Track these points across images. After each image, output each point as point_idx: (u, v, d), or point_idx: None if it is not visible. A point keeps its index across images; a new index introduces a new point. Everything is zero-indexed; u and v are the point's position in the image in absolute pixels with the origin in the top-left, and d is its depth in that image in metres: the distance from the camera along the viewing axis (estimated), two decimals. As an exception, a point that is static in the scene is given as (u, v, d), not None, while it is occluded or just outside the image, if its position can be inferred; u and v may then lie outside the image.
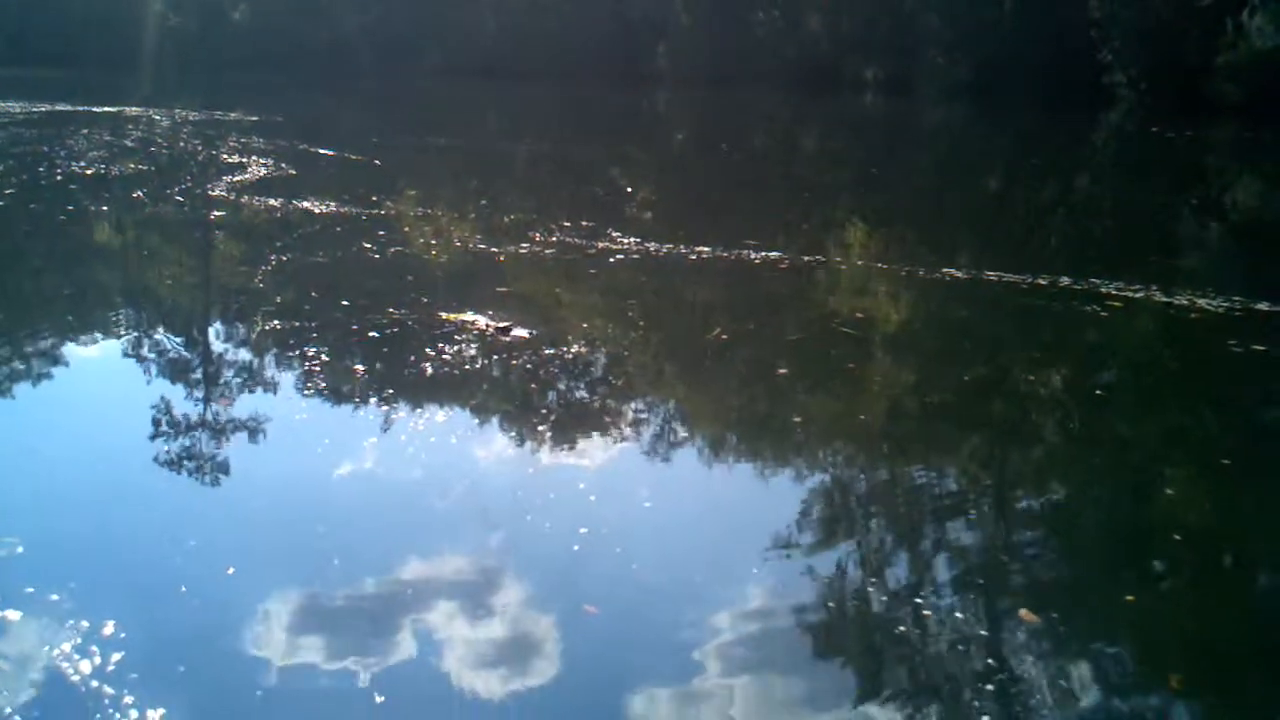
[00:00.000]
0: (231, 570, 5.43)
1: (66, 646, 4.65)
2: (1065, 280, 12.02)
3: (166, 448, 7.23)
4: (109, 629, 4.78)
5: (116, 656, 4.60)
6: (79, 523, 6.01)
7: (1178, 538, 6.35)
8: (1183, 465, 7.62)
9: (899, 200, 20.81)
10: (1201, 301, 11.26)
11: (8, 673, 4.55)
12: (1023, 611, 5.31)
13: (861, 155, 29.65)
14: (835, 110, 45.40)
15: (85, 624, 4.80)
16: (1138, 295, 11.53)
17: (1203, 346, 10.32)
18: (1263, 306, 11.12)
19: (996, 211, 20.14)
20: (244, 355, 9.68)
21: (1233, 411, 8.85)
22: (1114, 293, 11.56)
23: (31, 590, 5.09)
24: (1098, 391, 9.18)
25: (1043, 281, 12.02)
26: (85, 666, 4.52)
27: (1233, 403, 9.03)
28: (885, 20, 52.04)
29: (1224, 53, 39.46)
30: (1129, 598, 5.61)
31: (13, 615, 4.90)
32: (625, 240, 14.25)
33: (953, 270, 12.81)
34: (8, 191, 17.70)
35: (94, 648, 4.64)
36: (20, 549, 5.54)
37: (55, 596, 5.05)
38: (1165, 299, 11.41)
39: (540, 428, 7.89)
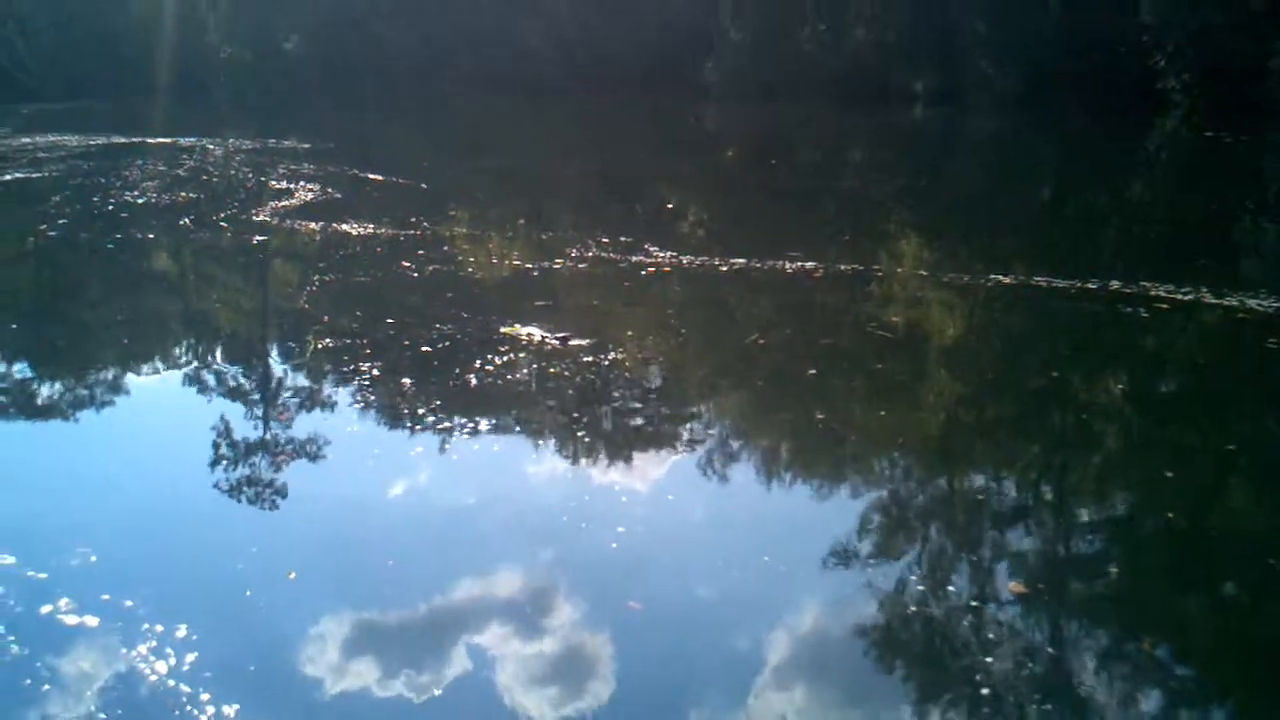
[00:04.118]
0: (292, 575, 5.73)
1: (142, 649, 4.97)
2: (1115, 284, 11.82)
3: (226, 466, 7.45)
4: (180, 634, 5.08)
5: (183, 663, 4.87)
6: (146, 537, 6.33)
7: (1240, 546, 6.20)
8: (1240, 471, 7.43)
9: (946, 210, 20.58)
10: (1252, 302, 11.02)
11: (89, 673, 4.86)
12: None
13: (908, 166, 29.38)
14: (883, 122, 45.14)
15: (159, 628, 5.12)
16: (1187, 298, 11.31)
17: (1249, 347, 10.10)
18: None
19: (1046, 218, 19.86)
20: (301, 376, 9.91)
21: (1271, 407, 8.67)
22: (1163, 295, 11.35)
23: (107, 598, 5.39)
24: (1136, 393, 9.03)
25: (1092, 286, 11.84)
26: (160, 668, 4.84)
27: (1271, 400, 8.86)
28: (932, 31, 51.63)
29: (1278, 56, 38.85)
30: (1194, 608, 5.49)
31: (91, 621, 5.21)
32: (661, 254, 14.17)
33: (1000, 277, 12.62)
34: (60, 222, 17.92)
35: (168, 651, 4.95)
36: (94, 559, 5.86)
37: (129, 603, 5.34)
38: (1215, 300, 11.19)
39: (601, 437, 7.97)
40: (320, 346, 10.38)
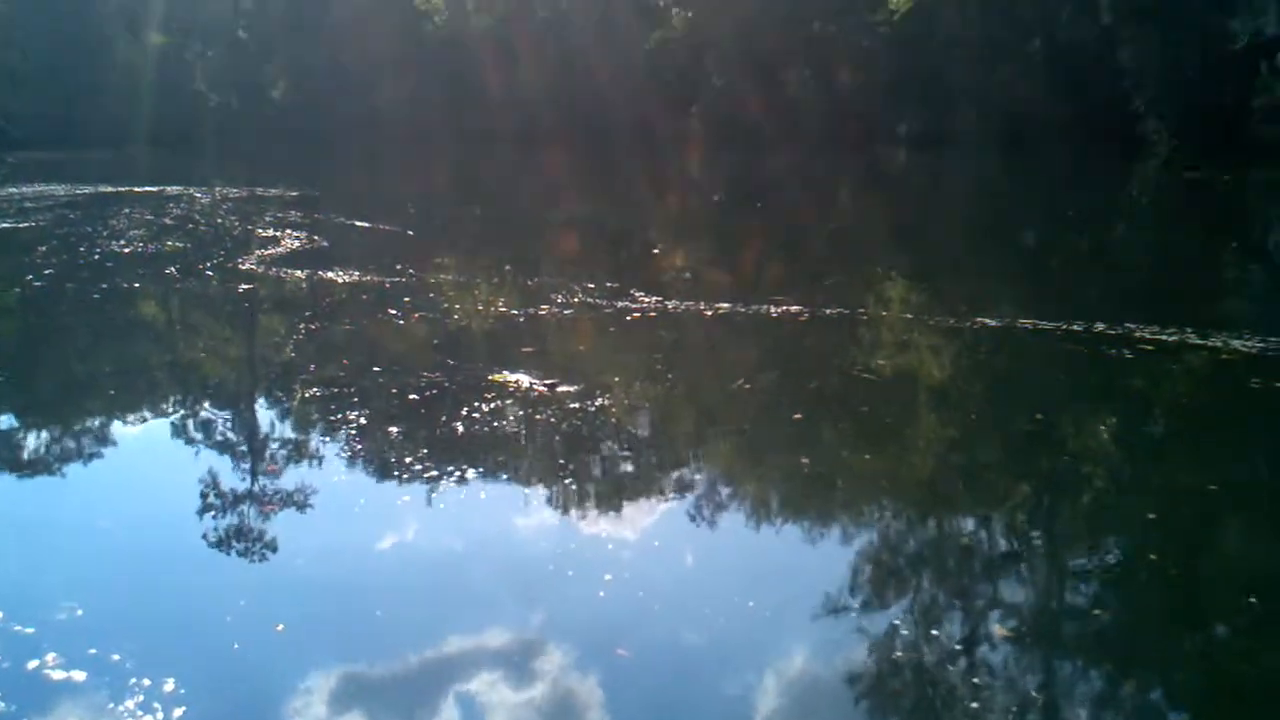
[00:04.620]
0: (281, 627, 5.70)
1: (129, 704, 4.91)
2: (1099, 326, 11.87)
3: (214, 518, 7.41)
4: (168, 688, 5.02)
5: (170, 717, 4.82)
6: (133, 590, 6.28)
7: (1229, 587, 6.21)
8: (1223, 511, 7.44)
9: (930, 253, 20.71)
10: (1235, 343, 11.09)
11: None
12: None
13: (893, 210, 29.56)
14: (868, 166, 45.45)
15: (147, 681, 5.06)
16: (1171, 339, 11.37)
17: (1233, 388, 10.14)
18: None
19: (1030, 262, 19.98)
20: (288, 426, 9.90)
21: (1257, 451, 8.71)
22: (1147, 337, 11.41)
23: (94, 652, 5.34)
24: (1120, 435, 9.06)
25: (1076, 328, 11.88)
26: None
27: (1255, 442, 8.90)
28: (916, 77, 52.14)
29: (1259, 95, 39.23)
30: (1179, 648, 5.50)
31: (78, 675, 5.15)
32: (646, 299, 14.22)
33: (984, 319, 12.68)
34: (46, 272, 17.93)
35: (155, 705, 4.90)
36: (80, 612, 5.80)
37: (116, 657, 5.29)
38: (1199, 341, 11.25)
39: (588, 484, 7.94)
40: (307, 396, 10.37)
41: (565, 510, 7.47)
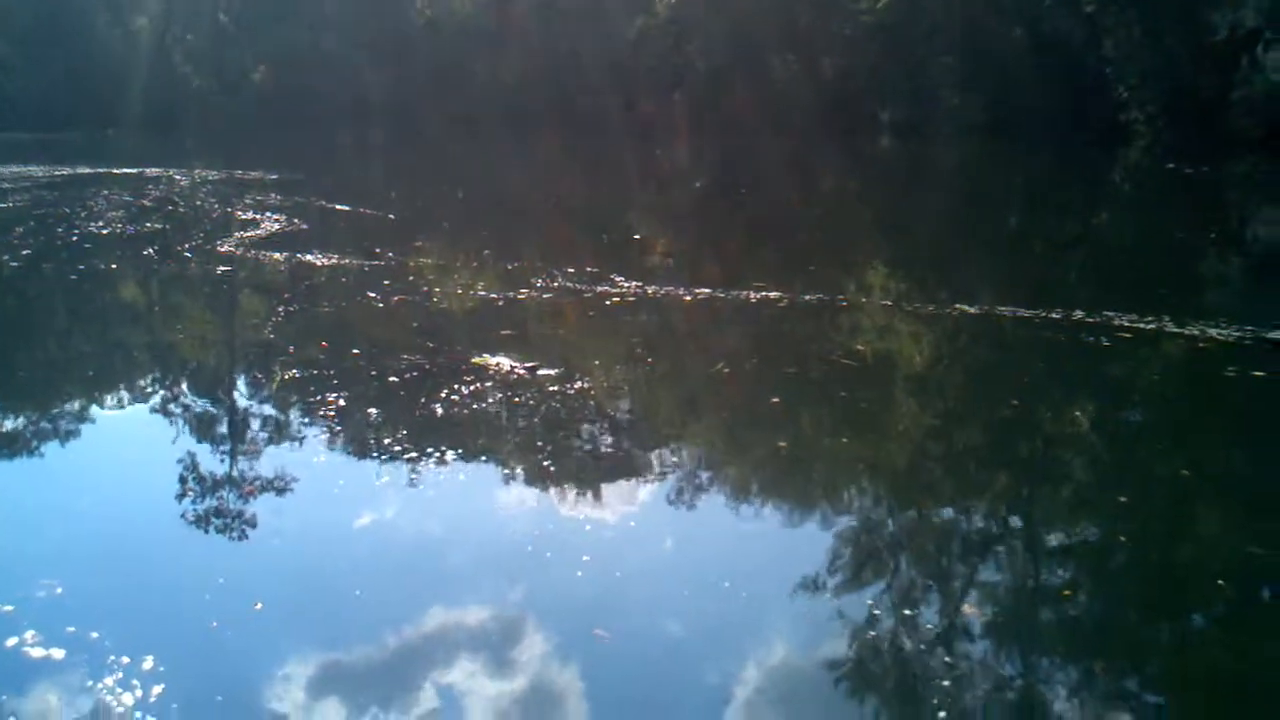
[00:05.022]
0: (259, 606, 5.71)
1: (108, 681, 4.93)
2: (1078, 314, 11.92)
3: (192, 498, 7.43)
4: (147, 666, 5.04)
5: (150, 695, 4.84)
6: (112, 569, 6.30)
7: (1202, 572, 6.27)
8: (1196, 496, 7.50)
9: (911, 240, 20.75)
10: (1213, 331, 11.15)
11: (54, 706, 4.84)
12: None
13: (875, 197, 29.64)
14: (851, 153, 45.48)
15: (126, 660, 5.09)
16: (1149, 327, 11.42)
17: (1209, 375, 10.20)
18: (1277, 335, 10.96)
19: (1010, 249, 20.03)
20: (267, 407, 9.88)
21: (1230, 438, 8.79)
22: (1125, 325, 11.46)
23: (73, 630, 5.36)
24: (1096, 421, 9.12)
25: (1055, 315, 11.92)
26: (127, 700, 4.81)
27: (1229, 429, 8.98)
28: (899, 63, 52.17)
29: (1239, 87, 39.38)
30: (1159, 633, 5.55)
31: (57, 653, 5.17)
32: (626, 284, 14.24)
33: (964, 306, 12.72)
34: (24, 253, 17.85)
35: (134, 683, 4.92)
36: (59, 590, 5.82)
37: (95, 635, 5.32)
38: (1177, 330, 11.30)
39: (567, 466, 7.95)
40: (287, 377, 10.36)
41: (544, 492, 7.49)
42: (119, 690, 4.84)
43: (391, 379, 9.82)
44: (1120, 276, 16.35)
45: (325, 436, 8.52)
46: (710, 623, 5.57)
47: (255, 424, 9.30)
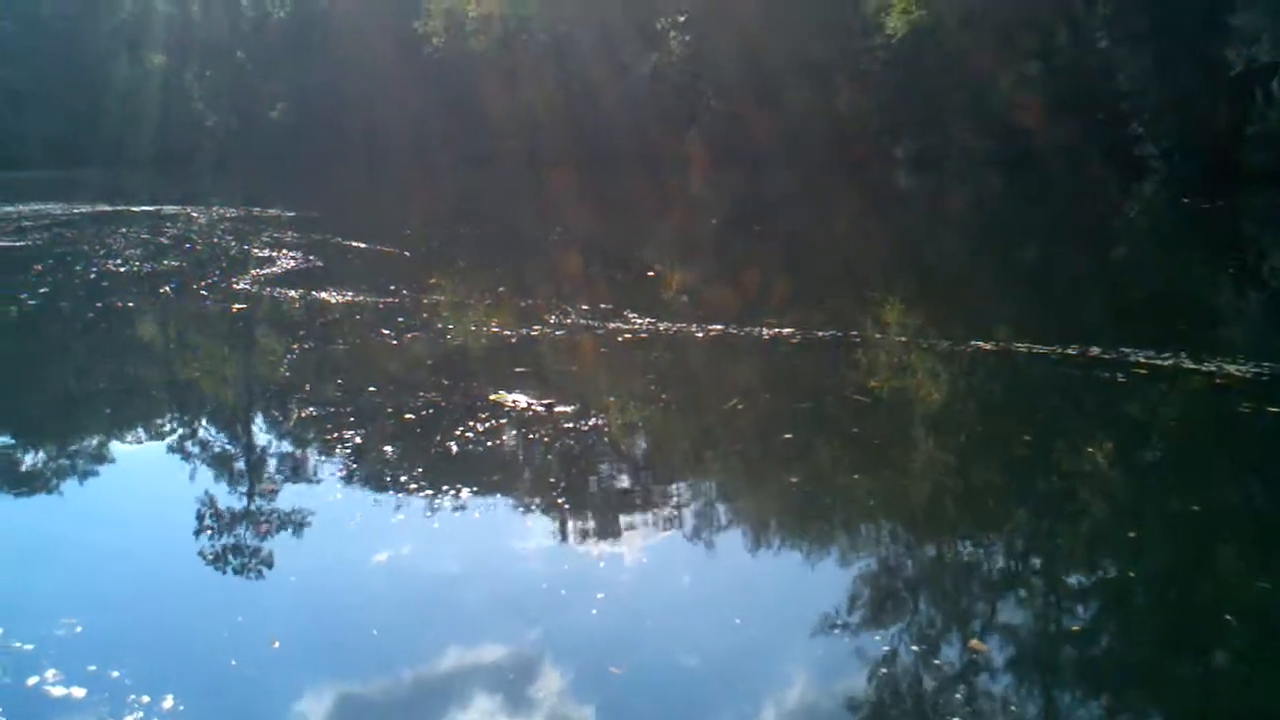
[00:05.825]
0: (277, 644, 5.74)
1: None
2: (1094, 350, 11.89)
3: (210, 535, 7.49)
4: (166, 704, 5.07)
5: None
6: (131, 607, 6.33)
7: (1226, 612, 6.22)
8: (1209, 534, 7.47)
9: (925, 275, 20.71)
10: (1230, 367, 11.11)
11: None
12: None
13: (890, 232, 29.61)
14: (866, 188, 45.50)
15: (145, 698, 5.11)
16: (1166, 363, 11.39)
17: (1225, 412, 10.16)
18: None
19: (1027, 285, 19.97)
20: (284, 445, 9.99)
21: (1247, 474, 8.75)
22: (1142, 360, 11.43)
23: (93, 668, 5.38)
24: (1112, 459, 9.09)
25: (1071, 351, 11.90)
26: None
27: (1249, 467, 8.93)
28: (914, 98, 52.22)
29: (1254, 122, 39.30)
30: (1177, 674, 5.53)
31: (77, 692, 5.19)
32: (640, 320, 14.27)
33: (979, 342, 12.71)
34: (42, 290, 17.99)
35: None
36: (79, 629, 5.85)
37: (115, 673, 5.33)
38: (1194, 366, 11.27)
39: (582, 504, 7.97)
40: (303, 415, 10.41)
41: (560, 529, 7.50)
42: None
43: (407, 416, 9.86)
44: (1137, 312, 16.30)
45: (342, 474, 8.55)
46: (726, 660, 5.57)
47: (272, 461, 9.35)
